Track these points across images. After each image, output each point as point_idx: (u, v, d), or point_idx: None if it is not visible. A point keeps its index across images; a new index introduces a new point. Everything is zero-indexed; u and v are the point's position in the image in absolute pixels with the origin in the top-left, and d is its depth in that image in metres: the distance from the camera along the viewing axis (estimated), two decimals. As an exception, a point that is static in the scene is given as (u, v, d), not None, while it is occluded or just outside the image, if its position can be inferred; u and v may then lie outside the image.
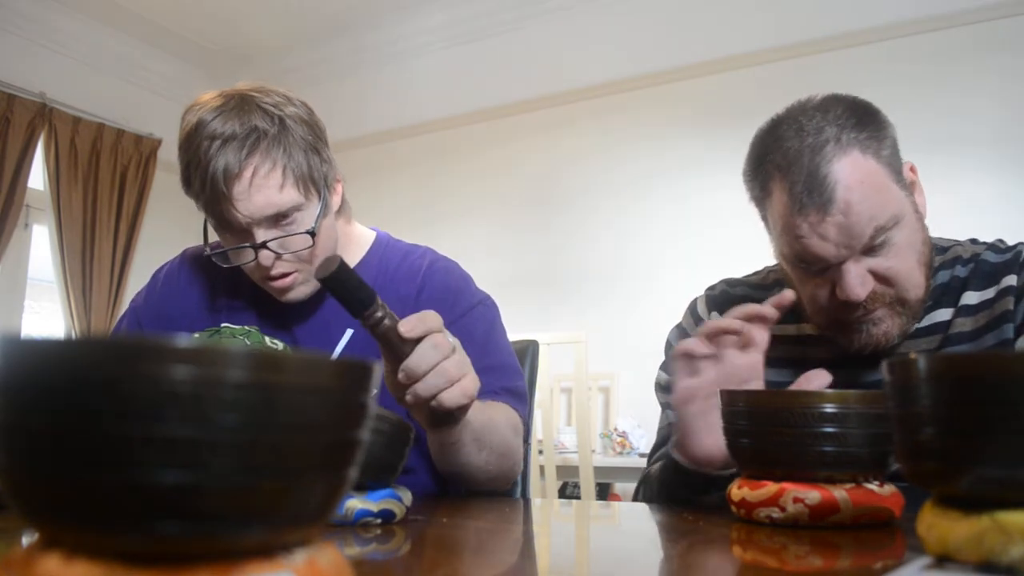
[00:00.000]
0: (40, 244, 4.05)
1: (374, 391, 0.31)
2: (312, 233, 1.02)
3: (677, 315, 1.14)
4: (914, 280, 0.86)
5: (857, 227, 0.81)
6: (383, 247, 1.18)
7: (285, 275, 1.04)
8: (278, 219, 1.00)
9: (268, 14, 4.15)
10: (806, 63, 3.35)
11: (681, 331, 1.07)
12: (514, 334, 1.46)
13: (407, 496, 0.71)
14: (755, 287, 1.04)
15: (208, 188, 0.98)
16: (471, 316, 1.10)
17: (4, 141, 3.73)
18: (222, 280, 1.14)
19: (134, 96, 4.40)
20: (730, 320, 0.80)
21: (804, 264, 0.87)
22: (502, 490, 1.04)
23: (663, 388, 1.04)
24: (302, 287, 1.06)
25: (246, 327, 1.06)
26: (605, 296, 3.71)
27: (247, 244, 1.01)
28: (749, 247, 1.03)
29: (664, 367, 1.06)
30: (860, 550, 0.55)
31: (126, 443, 0.25)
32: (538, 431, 2.62)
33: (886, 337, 0.87)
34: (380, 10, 4.11)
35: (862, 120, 0.84)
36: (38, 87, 3.90)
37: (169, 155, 4.46)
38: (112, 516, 0.25)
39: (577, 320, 3.49)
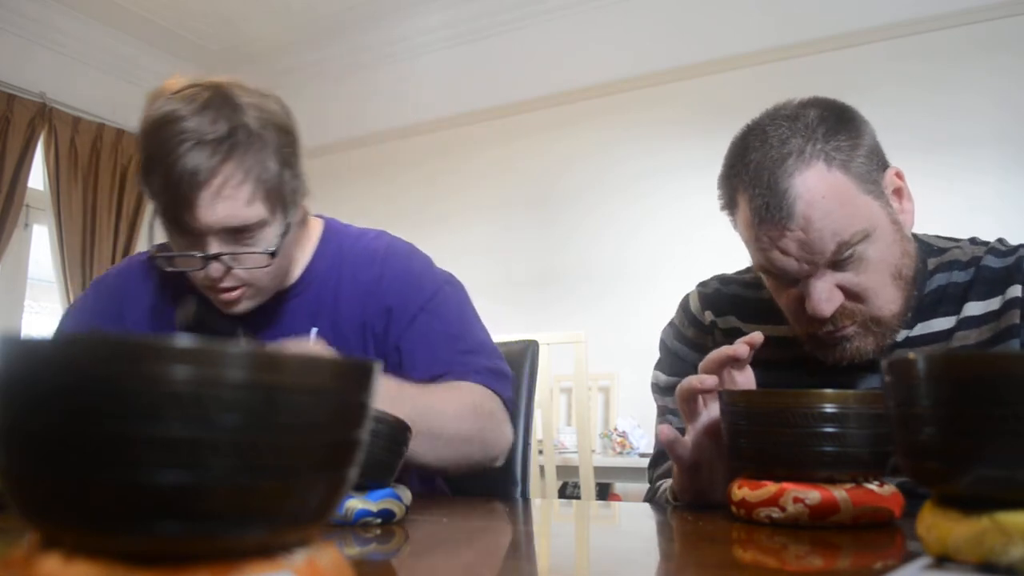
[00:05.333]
0: (40, 244, 4.05)
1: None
2: (273, 254, 0.95)
3: (677, 315, 1.14)
4: (887, 296, 0.83)
5: (818, 243, 0.79)
6: (335, 234, 1.13)
7: (232, 288, 0.97)
8: (238, 233, 0.93)
9: (268, 14, 4.15)
10: (806, 63, 3.34)
11: (674, 328, 1.05)
12: (514, 334, 1.46)
13: (407, 496, 0.71)
14: (747, 285, 1.02)
15: (170, 190, 0.89)
16: (439, 299, 1.07)
17: (4, 141, 3.73)
18: (172, 285, 1.06)
19: (134, 96, 4.37)
20: (734, 347, 0.77)
21: (770, 276, 0.87)
22: (487, 466, 1.02)
23: (661, 389, 1.03)
24: (249, 301, 1.00)
25: None
26: (605, 296, 3.70)
27: (198, 253, 0.94)
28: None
29: (659, 367, 1.05)
30: (860, 550, 0.55)
31: (126, 443, 0.25)
32: (538, 431, 2.62)
33: (859, 353, 0.84)
34: (380, 10, 4.10)
35: (833, 128, 0.81)
36: (38, 87, 3.90)
37: (169, 155, 4.49)
38: (112, 516, 0.25)
39: (577, 320, 3.48)
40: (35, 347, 0.26)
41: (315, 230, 1.13)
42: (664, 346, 1.06)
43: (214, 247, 0.93)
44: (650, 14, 3.64)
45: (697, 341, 1.01)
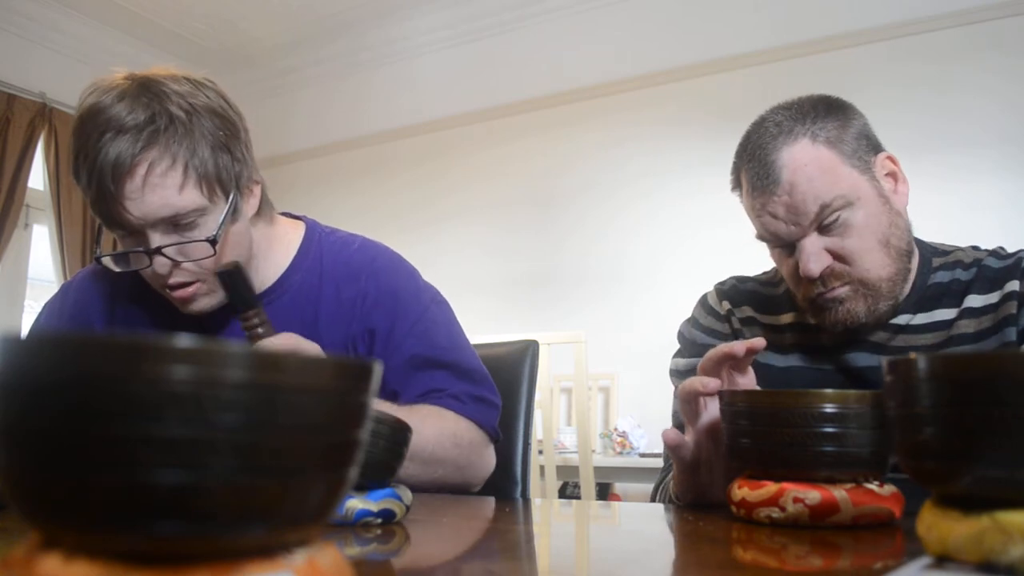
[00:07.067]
0: (40, 244, 4.06)
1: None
2: (213, 241, 0.90)
3: (677, 314, 1.14)
4: (874, 260, 0.90)
5: (801, 205, 0.88)
6: (316, 241, 1.08)
7: (186, 284, 0.93)
8: (176, 223, 0.90)
9: (268, 14, 4.15)
10: (806, 63, 3.35)
11: (692, 320, 1.09)
12: (514, 334, 1.46)
13: (407, 496, 0.71)
14: (764, 283, 1.08)
15: (95, 183, 0.87)
16: (426, 321, 1.04)
17: (4, 141, 3.73)
18: (130, 288, 1.02)
19: (134, 96, 4.40)
20: (731, 345, 0.79)
21: (767, 241, 0.95)
22: (463, 490, 1.01)
23: (680, 374, 1.06)
24: (206, 298, 0.96)
25: None
26: (605, 296, 3.70)
27: (140, 248, 0.90)
28: (749, 247, 1.04)
29: (677, 355, 1.08)
30: (860, 550, 0.55)
31: (126, 443, 0.25)
32: (538, 431, 2.62)
33: (851, 315, 0.91)
34: (380, 10, 4.11)
35: (823, 113, 0.91)
36: (38, 87, 3.90)
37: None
38: (112, 516, 0.25)
39: (577, 320, 3.48)
40: (35, 347, 0.26)
41: (294, 233, 1.09)
42: (682, 336, 1.10)
43: (155, 240, 0.90)
44: (650, 14, 3.64)
45: (714, 328, 1.07)
